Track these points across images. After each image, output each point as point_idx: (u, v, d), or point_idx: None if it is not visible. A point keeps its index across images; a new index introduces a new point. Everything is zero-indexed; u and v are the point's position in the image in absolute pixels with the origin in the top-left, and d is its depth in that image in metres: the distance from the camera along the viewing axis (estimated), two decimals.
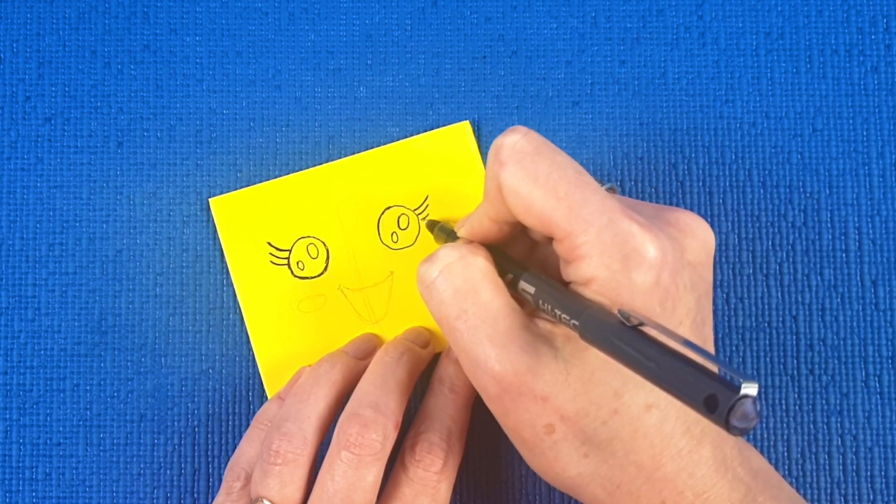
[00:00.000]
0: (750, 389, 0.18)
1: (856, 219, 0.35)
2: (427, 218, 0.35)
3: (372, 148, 0.35)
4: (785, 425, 0.35)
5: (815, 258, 0.35)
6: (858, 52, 0.36)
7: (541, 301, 0.26)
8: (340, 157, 0.35)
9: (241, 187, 0.35)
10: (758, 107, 0.36)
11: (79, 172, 0.36)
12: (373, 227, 0.35)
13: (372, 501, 0.28)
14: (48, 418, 0.35)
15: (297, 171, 0.35)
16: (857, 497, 0.34)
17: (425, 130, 0.35)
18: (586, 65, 0.36)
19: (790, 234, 0.35)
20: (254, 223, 0.35)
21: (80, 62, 0.36)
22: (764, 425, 0.35)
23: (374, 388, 0.30)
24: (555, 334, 0.26)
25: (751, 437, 0.35)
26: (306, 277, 0.34)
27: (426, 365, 0.33)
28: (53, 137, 0.36)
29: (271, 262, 0.34)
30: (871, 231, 0.35)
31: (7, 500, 0.34)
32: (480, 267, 0.26)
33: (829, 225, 0.35)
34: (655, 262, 0.24)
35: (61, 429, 0.35)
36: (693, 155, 0.36)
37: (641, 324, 0.22)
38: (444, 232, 0.32)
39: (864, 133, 0.36)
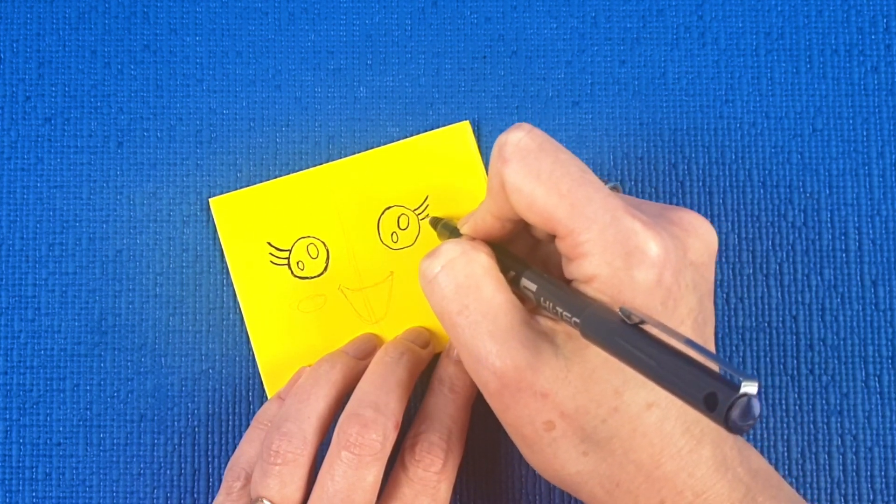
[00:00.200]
0: (750, 388, 0.18)
1: (856, 219, 0.35)
2: (428, 216, 0.35)
3: (372, 148, 0.35)
4: (785, 425, 0.35)
5: (815, 258, 0.35)
6: (858, 52, 0.36)
7: (542, 299, 0.26)
8: (340, 157, 0.35)
9: (241, 187, 0.35)
10: (758, 107, 0.36)
11: (79, 172, 0.36)
12: (373, 227, 0.35)
13: (372, 501, 0.28)
14: (48, 418, 0.35)
15: (297, 171, 0.35)
16: (857, 497, 0.34)
17: (425, 130, 0.35)
18: (586, 65, 0.36)
19: (790, 234, 0.35)
20: (254, 223, 0.35)
21: (80, 62, 0.36)
22: (764, 425, 0.35)
23: (374, 388, 0.30)
24: (556, 332, 0.26)
25: (751, 437, 0.35)
26: (306, 277, 0.34)
27: (426, 365, 0.33)
28: (53, 137, 0.36)
29: (271, 262, 0.34)
30: (871, 231, 0.35)
31: (7, 500, 0.34)
32: (482, 263, 0.27)
33: (829, 225, 0.35)
34: (658, 261, 0.24)
35: (61, 429, 0.35)
36: (693, 155, 0.36)
37: (643, 322, 0.22)
38: (447, 229, 0.32)
39: (864, 133, 0.36)
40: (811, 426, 0.35)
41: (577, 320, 0.24)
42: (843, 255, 0.35)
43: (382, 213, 0.35)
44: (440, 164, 0.35)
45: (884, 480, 0.34)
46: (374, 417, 0.28)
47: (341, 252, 0.35)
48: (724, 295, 0.35)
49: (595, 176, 0.25)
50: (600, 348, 0.23)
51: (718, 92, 0.36)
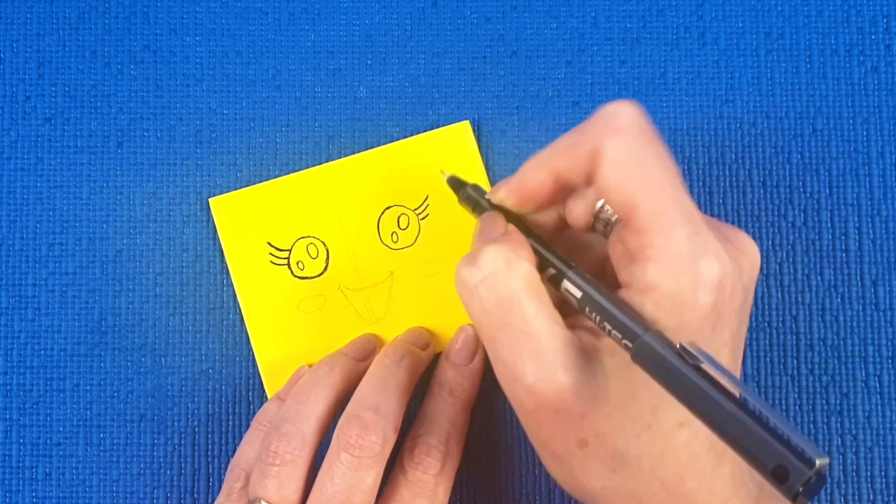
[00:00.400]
0: (822, 464, 0.18)
1: (856, 219, 0.35)
2: (428, 215, 0.35)
3: (372, 148, 0.35)
4: None
5: (815, 258, 0.35)
6: (858, 52, 0.36)
7: (588, 309, 0.24)
8: (340, 157, 0.35)
9: (241, 187, 0.35)
10: (758, 107, 0.36)
11: (79, 172, 0.36)
12: (373, 227, 0.35)
13: (370, 503, 0.28)
14: (48, 418, 0.35)
15: (297, 171, 0.35)
16: (857, 497, 0.34)
17: (425, 130, 0.35)
18: (586, 65, 0.36)
19: (790, 234, 0.35)
20: (254, 223, 0.35)
21: (80, 62, 0.36)
22: None
23: (374, 390, 0.29)
24: (598, 347, 0.25)
25: None
26: (306, 277, 0.34)
27: (426, 367, 0.33)
28: (53, 137, 0.36)
29: (271, 262, 0.34)
30: (871, 231, 0.35)
31: (7, 500, 0.34)
32: (525, 275, 0.25)
33: (829, 225, 0.35)
34: (719, 283, 0.23)
35: (61, 429, 0.35)
36: (693, 155, 0.36)
37: (700, 363, 0.21)
38: (474, 197, 0.29)
39: (864, 133, 0.36)
40: (811, 426, 0.35)
41: (630, 345, 0.23)
42: (843, 255, 0.35)
43: (382, 213, 0.35)
44: (440, 164, 0.35)
45: (884, 480, 0.34)
46: (373, 420, 0.28)
47: (341, 252, 0.35)
48: None
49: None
50: (654, 379, 0.22)
51: (718, 92, 0.36)
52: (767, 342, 0.35)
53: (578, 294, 0.25)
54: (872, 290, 0.35)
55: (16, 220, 0.35)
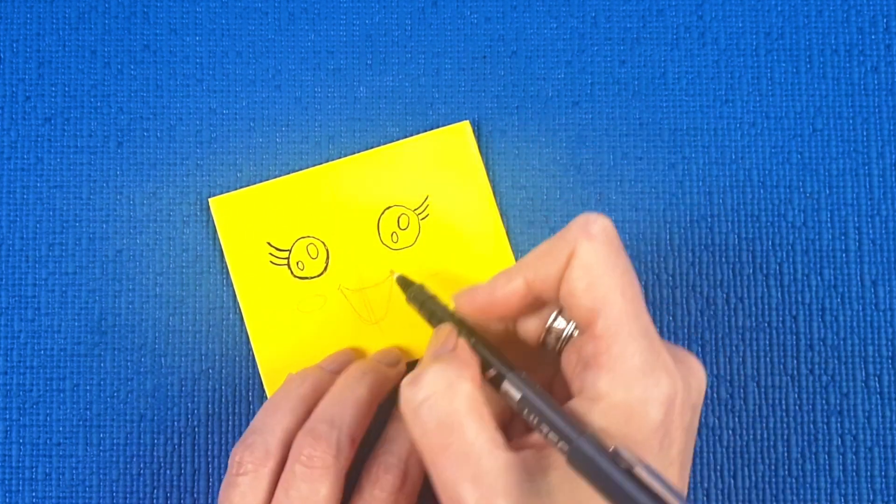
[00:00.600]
0: None
1: (856, 219, 0.35)
2: (428, 216, 0.35)
3: (372, 148, 0.35)
4: (785, 425, 0.35)
5: (814, 258, 0.35)
6: (858, 52, 0.36)
7: (526, 410, 0.25)
8: (340, 157, 0.35)
9: (241, 187, 0.35)
10: (758, 107, 0.36)
11: (79, 172, 0.36)
12: (373, 227, 0.35)
13: None
14: (48, 418, 0.35)
15: (297, 171, 0.35)
16: (857, 497, 0.34)
17: (425, 130, 0.35)
18: (586, 65, 0.36)
19: (790, 234, 0.35)
20: (254, 223, 0.35)
21: (80, 62, 0.36)
22: (764, 425, 0.35)
23: (330, 404, 0.30)
24: (543, 465, 0.25)
25: (751, 436, 0.35)
26: (306, 277, 0.34)
27: (393, 383, 0.32)
28: (53, 137, 0.36)
29: (271, 262, 0.34)
30: (871, 231, 0.35)
31: (7, 500, 0.34)
32: (467, 396, 0.25)
33: (829, 225, 0.35)
34: (669, 400, 0.24)
35: (61, 429, 0.35)
36: (693, 155, 0.36)
37: (633, 467, 0.21)
38: (427, 309, 0.30)
39: (864, 133, 0.36)
40: (811, 426, 0.35)
41: (565, 447, 0.23)
42: (843, 255, 0.35)
43: (382, 213, 0.35)
44: (440, 164, 0.35)
45: (884, 480, 0.34)
46: (326, 431, 0.28)
47: (341, 252, 0.35)
48: (725, 295, 0.35)
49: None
50: (587, 482, 0.22)
51: (718, 92, 0.36)
52: (767, 342, 0.35)
53: (517, 396, 0.25)
54: (872, 290, 0.35)
55: (16, 220, 0.35)
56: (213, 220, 0.35)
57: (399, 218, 0.35)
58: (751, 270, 0.35)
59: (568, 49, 0.36)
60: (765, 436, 0.35)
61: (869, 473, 0.35)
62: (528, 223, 0.35)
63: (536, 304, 0.27)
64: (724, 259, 0.35)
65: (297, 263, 0.35)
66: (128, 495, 0.35)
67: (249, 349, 0.35)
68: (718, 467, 0.35)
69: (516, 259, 0.35)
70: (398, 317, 0.35)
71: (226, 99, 0.36)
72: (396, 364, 0.33)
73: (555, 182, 0.36)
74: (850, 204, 0.35)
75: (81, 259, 0.35)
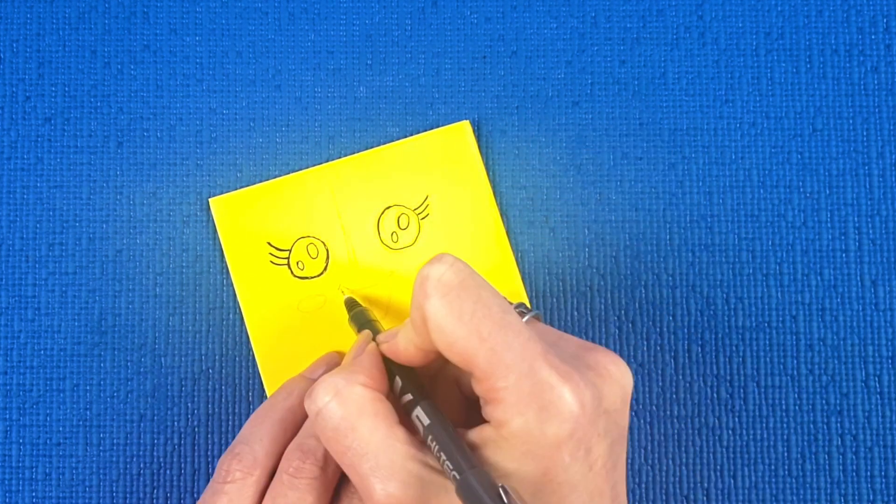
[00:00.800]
0: None
1: (856, 219, 0.35)
2: (428, 215, 0.35)
3: (372, 148, 0.35)
4: (785, 425, 0.35)
5: (814, 258, 0.35)
6: (858, 52, 0.36)
7: (430, 438, 0.26)
8: (340, 157, 0.35)
9: (241, 187, 0.35)
10: (758, 107, 0.36)
11: (79, 172, 0.36)
12: (373, 227, 0.35)
13: None
14: (48, 418, 0.35)
15: (297, 171, 0.35)
16: (857, 497, 0.34)
17: (425, 130, 0.35)
18: (586, 65, 0.36)
19: (790, 234, 0.35)
20: (254, 223, 0.35)
21: (80, 62, 0.36)
22: (764, 425, 0.35)
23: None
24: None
25: (751, 436, 0.35)
26: (306, 277, 0.34)
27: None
28: (53, 137, 0.36)
29: (271, 262, 0.34)
30: (871, 231, 0.35)
31: (7, 500, 0.34)
32: (357, 400, 0.26)
33: (828, 225, 0.35)
34: (571, 416, 0.24)
35: (61, 429, 0.35)
36: (693, 155, 0.36)
37: None
38: (357, 322, 0.32)
39: (864, 133, 0.36)
40: (811, 426, 0.35)
41: (457, 476, 0.24)
42: (843, 255, 0.35)
43: (382, 213, 0.35)
44: (440, 163, 0.35)
45: (884, 480, 0.34)
46: (315, 445, 0.29)
47: (341, 252, 0.35)
48: (724, 295, 0.35)
49: (516, 316, 0.25)
50: None
51: (718, 92, 0.36)
52: (767, 342, 0.35)
53: (426, 422, 0.26)
54: (872, 290, 0.35)
55: (16, 220, 0.35)
56: (213, 220, 0.35)
57: (399, 218, 0.35)
58: (751, 270, 0.35)
59: (568, 49, 0.36)
60: (765, 436, 0.35)
61: (869, 473, 0.35)
62: (528, 223, 0.35)
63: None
64: (724, 259, 0.35)
65: (297, 263, 0.35)
66: (128, 495, 0.35)
67: (249, 349, 0.35)
68: (718, 467, 0.35)
69: (516, 259, 0.35)
70: (398, 317, 0.35)
71: (226, 99, 0.36)
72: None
73: (555, 182, 0.36)
74: (850, 204, 0.35)
75: (81, 259, 0.35)
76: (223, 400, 0.35)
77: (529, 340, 0.25)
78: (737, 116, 0.36)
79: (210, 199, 0.35)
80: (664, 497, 0.35)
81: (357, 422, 0.26)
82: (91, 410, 0.35)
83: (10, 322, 0.35)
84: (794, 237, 0.35)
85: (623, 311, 0.35)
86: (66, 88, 0.36)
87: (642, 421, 0.35)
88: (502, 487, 0.23)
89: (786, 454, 0.35)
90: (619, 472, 0.26)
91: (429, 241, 0.35)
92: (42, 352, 0.35)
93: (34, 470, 0.35)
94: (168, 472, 0.35)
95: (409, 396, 0.28)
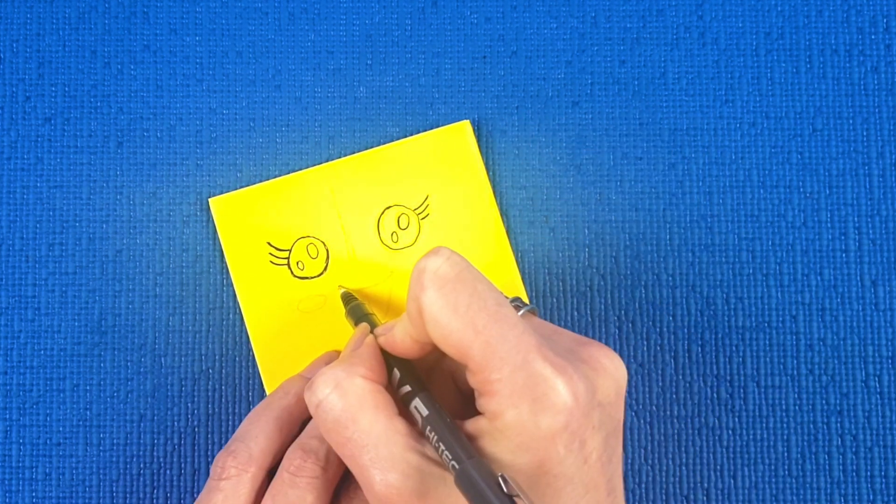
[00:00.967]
0: None
1: (856, 219, 0.35)
2: (428, 215, 0.35)
3: (372, 148, 0.35)
4: (785, 425, 0.35)
5: (814, 258, 0.35)
6: (858, 52, 0.36)
7: (428, 429, 0.26)
8: (340, 157, 0.35)
9: (241, 187, 0.35)
10: (758, 107, 0.36)
11: (79, 172, 0.36)
12: (373, 227, 0.35)
13: None
14: (48, 418, 0.35)
15: (297, 171, 0.35)
16: (857, 497, 0.34)
17: (425, 130, 0.35)
18: (586, 65, 0.36)
19: (790, 234, 0.35)
20: (254, 223, 0.35)
21: (80, 62, 0.36)
22: (764, 425, 0.35)
23: None
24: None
25: (751, 436, 0.35)
26: (306, 277, 0.34)
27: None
28: (53, 137, 0.36)
29: (271, 262, 0.34)
30: (871, 231, 0.35)
31: (7, 500, 0.34)
32: (357, 392, 0.26)
33: (828, 225, 0.35)
34: (565, 408, 0.24)
35: (61, 429, 0.35)
36: (693, 155, 0.36)
37: (517, 496, 0.22)
38: (354, 315, 0.32)
39: (864, 133, 0.36)
40: (811, 426, 0.35)
41: (456, 466, 0.24)
42: (843, 255, 0.35)
43: (382, 213, 0.35)
44: (440, 163, 0.35)
45: (884, 480, 0.34)
46: (317, 446, 0.29)
47: (341, 252, 0.35)
48: (724, 295, 0.35)
49: (511, 309, 0.25)
50: (469, 502, 0.23)
51: (718, 92, 0.36)
52: (767, 342, 0.35)
53: (424, 414, 0.27)
54: (872, 290, 0.35)
55: (16, 220, 0.35)
56: (213, 220, 0.35)
57: (399, 218, 0.35)
58: (751, 270, 0.35)
59: (568, 49, 0.36)
60: (765, 436, 0.35)
61: (869, 473, 0.35)
62: (528, 223, 0.35)
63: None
64: (724, 259, 0.35)
65: (297, 263, 0.35)
66: (128, 495, 0.35)
67: (249, 349, 0.35)
68: (718, 467, 0.35)
69: (516, 259, 0.35)
70: (398, 316, 0.35)
71: (226, 99, 0.36)
72: None
73: (555, 182, 0.36)
74: (850, 204, 0.35)
75: (81, 259, 0.35)
76: (223, 400, 0.35)
77: (524, 333, 0.25)
78: (737, 116, 0.36)
79: (210, 199, 0.35)
80: (664, 497, 0.35)
81: (357, 413, 0.26)
82: (91, 410, 0.35)
83: (10, 322, 0.35)
84: (794, 237, 0.35)
85: (623, 311, 0.35)
86: (66, 88, 0.36)
87: (642, 421, 0.35)
88: (501, 476, 0.23)
89: (786, 454, 0.35)
90: (614, 465, 0.26)
91: (429, 241, 0.35)
92: (42, 352, 0.35)
93: (34, 470, 0.35)
94: (168, 472, 0.35)
95: (407, 388, 0.28)
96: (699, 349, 0.35)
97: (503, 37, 0.36)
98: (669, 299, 0.35)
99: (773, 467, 0.35)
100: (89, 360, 0.35)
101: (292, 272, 0.34)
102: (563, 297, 0.35)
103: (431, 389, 0.28)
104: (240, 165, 0.35)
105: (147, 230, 0.35)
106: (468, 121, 0.35)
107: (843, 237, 0.35)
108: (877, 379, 0.35)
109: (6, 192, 0.35)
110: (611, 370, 0.26)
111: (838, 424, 0.35)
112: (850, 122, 0.36)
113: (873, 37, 0.36)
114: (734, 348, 0.35)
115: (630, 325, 0.35)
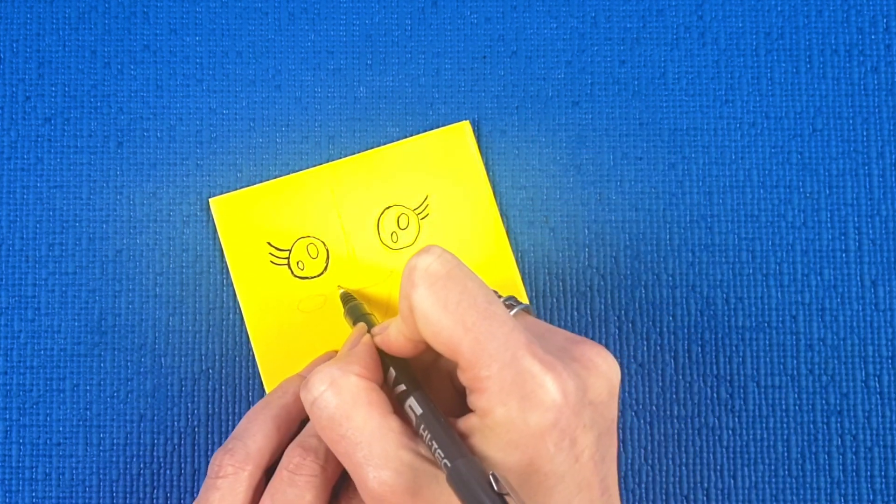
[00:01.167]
0: None
1: (856, 219, 0.35)
2: (428, 215, 0.35)
3: (372, 148, 0.35)
4: (785, 425, 0.35)
5: (814, 258, 0.35)
6: (858, 52, 0.36)
7: (422, 427, 0.26)
8: (340, 157, 0.35)
9: (241, 187, 0.35)
10: (758, 107, 0.36)
11: (79, 172, 0.36)
12: (373, 227, 0.35)
13: None
14: (48, 418, 0.35)
15: (297, 171, 0.35)
16: (857, 497, 0.34)
17: (425, 130, 0.35)
18: (586, 65, 0.36)
19: (790, 234, 0.35)
20: (254, 223, 0.35)
21: (80, 62, 0.36)
22: (764, 425, 0.35)
23: None
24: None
25: (751, 436, 0.35)
26: (306, 277, 0.34)
27: None
28: (53, 137, 0.36)
29: (271, 262, 0.34)
30: (871, 231, 0.35)
31: (7, 500, 0.34)
32: (351, 390, 0.27)
33: (828, 225, 0.35)
34: (554, 405, 0.24)
35: (61, 429, 0.35)
36: (693, 155, 0.36)
37: (508, 494, 0.22)
38: (352, 315, 0.32)
39: (864, 133, 0.36)
40: (811, 426, 0.35)
41: (448, 464, 0.24)
42: (843, 255, 0.35)
43: (382, 213, 0.35)
44: (440, 164, 0.35)
45: (884, 480, 0.34)
46: (316, 444, 0.29)
47: (341, 252, 0.35)
48: (724, 295, 0.35)
49: (502, 307, 0.25)
50: (460, 500, 0.23)
51: (718, 92, 0.36)
52: (767, 342, 0.35)
53: (418, 412, 0.27)
54: (872, 290, 0.35)
55: (16, 220, 0.35)
56: (213, 220, 0.35)
57: (399, 218, 0.35)
58: (751, 270, 0.35)
59: (568, 49, 0.36)
60: (765, 436, 0.35)
61: (869, 473, 0.35)
62: (528, 223, 0.35)
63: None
64: (723, 259, 0.35)
65: (298, 263, 0.35)
66: (128, 495, 0.35)
67: (249, 349, 0.35)
68: (718, 467, 0.35)
69: (516, 259, 0.35)
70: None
71: (226, 99, 0.36)
72: None
73: (555, 182, 0.36)
74: (850, 204, 0.35)
75: (81, 259, 0.35)
76: (223, 400, 0.35)
77: (514, 331, 0.25)
78: (737, 116, 0.36)
79: (210, 199, 0.35)
80: (664, 497, 0.35)
81: (351, 411, 0.26)
82: (91, 410, 0.35)
83: (10, 322, 0.35)
84: (794, 237, 0.35)
85: (623, 311, 0.35)
86: (66, 88, 0.36)
87: (642, 421, 0.35)
88: (493, 475, 0.23)
89: (786, 454, 0.35)
90: (608, 465, 0.26)
91: (429, 241, 0.35)
92: (42, 352, 0.35)
93: (34, 470, 0.35)
94: (168, 472, 0.35)
95: (402, 387, 0.28)
96: (699, 349, 0.35)
97: (503, 37, 0.36)
98: (669, 299, 0.35)
99: (773, 467, 0.35)
100: (89, 360, 0.35)
101: (292, 272, 0.35)
102: (563, 297, 0.35)
103: (428, 388, 0.28)
104: (240, 165, 0.35)
105: (147, 230, 0.35)
106: (468, 121, 0.35)
107: (843, 237, 0.35)
108: (877, 379, 0.35)
109: (6, 192, 0.35)
110: (603, 369, 0.26)
111: (838, 424, 0.35)
112: (850, 122, 0.36)
113: (873, 37, 0.36)
114: (734, 348, 0.35)
115: (630, 325, 0.35)
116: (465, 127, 0.35)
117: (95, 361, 0.35)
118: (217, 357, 0.35)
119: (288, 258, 0.35)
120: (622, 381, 0.34)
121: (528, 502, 0.25)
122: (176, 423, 0.35)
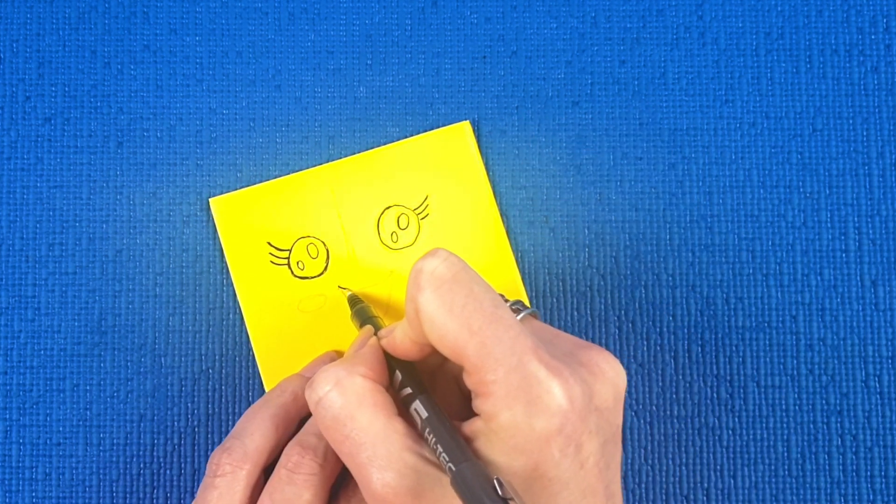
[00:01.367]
0: None
1: (856, 219, 0.35)
2: (428, 215, 0.35)
3: (372, 148, 0.35)
4: (785, 425, 0.35)
5: (814, 258, 0.35)
6: (858, 52, 0.36)
7: (427, 431, 0.26)
8: (340, 157, 0.35)
9: (241, 187, 0.35)
10: (758, 107, 0.36)
11: (79, 172, 0.36)
12: (373, 227, 0.35)
13: None
14: (48, 418, 0.35)
15: (297, 171, 0.35)
16: (857, 497, 0.34)
17: (425, 130, 0.35)
18: (586, 65, 0.36)
19: (790, 234, 0.35)
20: (254, 223, 0.35)
21: (80, 62, 0.36)
22: (764, 425, 0.35)
23: None
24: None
25: (751, 436, 0.35)
26: (306, 277, 0.34)
27: None
28: (53, 137, 0.36)
29: (271, 262, 0.34)
30: (871, 231, 0.35)
31: (7, 500, 0.34)
32: (357, 391, 0.27)
33: (828, 225, 0.35)
34: (560, 410, 0.24)
35: (61, 429, 0.35)
36: (693, 155, 0.36)
37: (512, 499, 0.22)
38: (359, 317, 0.32)
39: (864, 133, 0.36)
40: (811, 426, 0.35)
41: (453, 468, 0.24)
42: (843, 255, 0.35)
43: (382, 213, 0.35)
44: (440, 164, 0.35)
45: (884, 480, 0.34)
46: (315, 443, 0.29)
47: (341, 252, 0.35)
48: (724, 295, 0.35)
49: (508, 311, 0.25)
50: None
51: (718, 92, 0.36)
52: (767, 342, 0.35)
53: (424, 416, 0.27)
54: (872, 290, 0.35)
55: (16, 220, 0.35)
56: (213, 220, 0.35)
57: (399, 218, 0.35)
58: (751, 270, 0.35)
59: (568, 49, 0.36)
60: (765, 436, 0.35)
61: (869, 473, 0.35)
62: (528, 223, 0.35)
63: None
64: (723, 259, 0.35)
65: (298, 263, 0.35)
66: (128, 495, 0.35)
67: (249, 349, 0.35)
68: (718, 467, 0.35)
69: (516, 259, 0.35)
70: (398, 316, 0.35)
71: (226, 99, 0.36)
72: None
73: (555, 182, 0.36)
74: (850, 204, 0.35)
75: (81, 259, 0.35)
76: (223, 400, 0.35)
77: (520, 335, 0.25)
78: (737, 116, 0.36)
79: (210, 199, 0.35)
80: (664, 497, 0.35)
81: (356, 411, 0.26)
82: (91, 410, 0.35)
83: (10, 322, 0.35)
84: (794, 237, 0.35)
85: (623, 311, 0.35)
86: (66, 88, 0.36)
87: (642, 421, 0.35)
88: (497, 479, 0.23)
89: (786, 454, 0.35)
90: (612, 472, 0.26)
91: (429, 241, 0.35)
92: (42, 352, 0.35)
93: (34, 470, 0.35)
94: (168, 472, 0.35)
95: (408, 390, 0.28)
96: (699, 349, 0.35)
97: (503, 37, 0.36)
98: (669, 299, 0.35)
99: (773, 467, 0.35)
100: (89, 360, 0.35)
101: (292, 272, 0.35)
102: (563, 297, 0.35)
103: (434, 392, 0.28)
104: (240, 165, 0.35)
105: (147, 230, 0.35)
106: (468, 121, 0.35)
107: (843, 237, 0.35)
108: (877, 379, 0.35)
109: (6, 192, 0.35)
110: (610, 375, 0.26)
111: (838, 424, 0.35)
112: (850, 122, 0.36)
113: (873, 37, 0.36)
114: (734, 348, 0.35)
115: (630, 325, 0.35)
116: (465, 127, 0.35)
117: (95, 361, 0.35)
118: (217, 357, 0.35)
119: (288, 258, 0.35)
120: None
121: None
122: (176, 423, 0.35)
